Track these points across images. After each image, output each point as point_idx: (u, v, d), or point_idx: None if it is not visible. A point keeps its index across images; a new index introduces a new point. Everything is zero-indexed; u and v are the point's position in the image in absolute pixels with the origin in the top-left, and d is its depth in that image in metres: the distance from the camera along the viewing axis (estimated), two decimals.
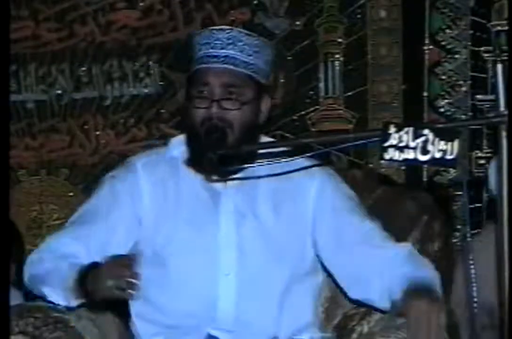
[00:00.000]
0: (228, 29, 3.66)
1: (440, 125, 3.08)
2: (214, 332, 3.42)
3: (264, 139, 3.59)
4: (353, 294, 3.46)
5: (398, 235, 3.58)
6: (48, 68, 5.53)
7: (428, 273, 3.40)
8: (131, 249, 3.60)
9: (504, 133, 3.13)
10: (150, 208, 3.59)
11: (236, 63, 3.55)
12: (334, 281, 3.56)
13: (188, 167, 3.56)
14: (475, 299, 3.80)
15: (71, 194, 5.24)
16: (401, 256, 3.44)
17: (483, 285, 3.46)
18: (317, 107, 4.81)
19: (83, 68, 5.63)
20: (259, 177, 3.54)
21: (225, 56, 3.54)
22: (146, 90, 5.50)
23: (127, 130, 5.49)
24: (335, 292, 3.61)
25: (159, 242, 3.56)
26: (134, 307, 3.61)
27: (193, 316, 3.47)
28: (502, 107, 3.13)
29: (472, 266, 3.82)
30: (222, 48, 3.56)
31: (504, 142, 3.14)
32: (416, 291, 3.27)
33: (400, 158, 3.04)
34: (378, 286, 3.38)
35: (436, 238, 3.76)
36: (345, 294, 3.51)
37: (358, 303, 3.46)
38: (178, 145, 3.57)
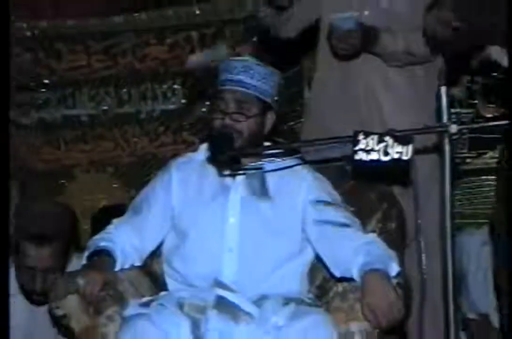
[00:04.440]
0: (244, 59, 3.78)
1: (398, 133, 3.11)
2: (220, 292, 3.48)
3: (265, 143, 3.70)
4: (337, 274, 3.51)
5: (365, 218, 3.72)
6: (97, 89, 5.51)
7: (386, 254, 3.46)
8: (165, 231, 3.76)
9: (446, 140, 3.16)
10: (178, 197, 3.74)
11: (247, 87, 3.62)
12: (322, 263, 3.62)
13: (208, 165, 3.68)
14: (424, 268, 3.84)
15: (115, 185, 5.23)
16: (368, 244, 3.49)
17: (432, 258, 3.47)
18: (301, 119, 4.66)
19: (124, 90, 5.54)
20: (261, 172, 3.65)
21: (239, 81, 3.62)
22: (172, 106, 5.47)
23: (157, 137, 5.48)
24: (315, 260, 3.66)
25: (184, 222, 3.70)
26: (165, 269, 3.74)
27: (204, 279, 3.58)
28: (445, 120, 3.16)
29: (421, 242, 3.86)
30: (237, 74, 3.63)
31: (447, 148, 3.17)
32: (375, 270, 3.35)
33: (367, 159, 3.13)
34: (354, 268, 3.42)
35: (393, 219, 3.82)
36: (331, 275, 3.55)
37: (341, 280, 3.49)
38: (203, 150, 3.72)
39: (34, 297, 4.30)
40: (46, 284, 4.22)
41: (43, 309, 4.03)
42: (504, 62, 3.29)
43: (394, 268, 3.43)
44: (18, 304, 4.29)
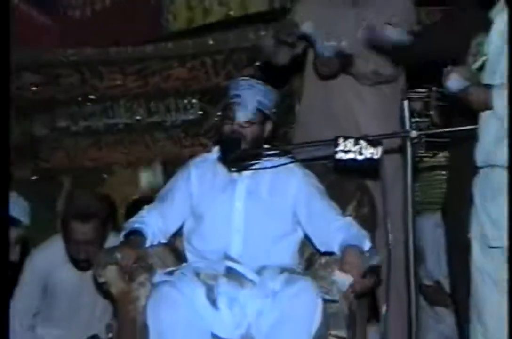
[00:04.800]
0: (247, 79, 3.74)
1: (369, 138, 3.12)
2: (228, 263, 3.50)
3: (265, 146, 3.68)
4: (322, 250, 3.54)
5: (343, 204, 3.71)
6: (131, 103, 5.48)
7: (360, 234, 3.50)
8: (186, 215, 3.75)
9: (408, 143, 3.17)
10: (196, 189, 3.73)
11: (250, 104, 3.59)
12: (309, 240, 3.63)
13: (219, 163, 3.68)
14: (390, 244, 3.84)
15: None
16: (346, 225, 3.52)
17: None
18: (293, 127, 4.60)
19: (152, 103, 5.47)
20: (261, 168, 3.64)
21: (244, 97, 3.60)
22: (190, 116, 5.44)
23: (179, 141, 5.45)
24: (304, 239, 3.66)
25: (200, 208, 3.70)
26: (185, 246, 3.75)
27: (216, 253, 3.58)
28: (407, 127, 3.17)
29: (388, 223, 3.87)
30: (243, 89, 3.62)
31: (409, 150, 3.18)
32: (352, 246, 3.38)
33: (346, 158, 3.13)
34: (335, 244, 3.45)
35: (366, 206, 3.81)
36: (317, 250, 3.58)
37: (324, 254, 3.52)
38: (216, 151, 3.71)
39: (80, 264, 4.32)
40: (88, 254, 4.26)
41: (89, 274, 4.03)
42: (454, 86, 3.27)
43: (366, 244, 3.46)
44: (68, 271, 4.36)
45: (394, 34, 3.75)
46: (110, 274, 3.54)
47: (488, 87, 3.16)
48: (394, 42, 3.75)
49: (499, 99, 3.11)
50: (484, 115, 3.21)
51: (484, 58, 3.31)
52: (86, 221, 4.31)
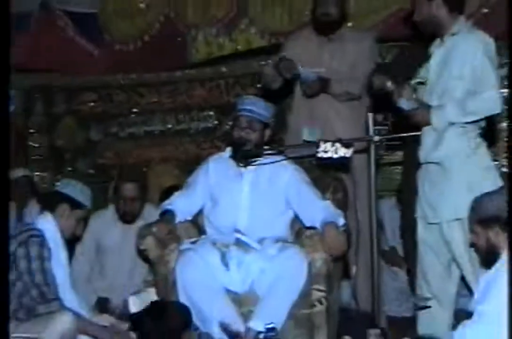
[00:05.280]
0: (252, 97, 3.75)
1: (343, 141, 3.12)
2: (237, 235, 3.50)
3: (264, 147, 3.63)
4: (307, 225, 3.50)
5: (323, 191, 3.65)
6: (164, 115, 5.42)
7: (335, 213, 3.46)
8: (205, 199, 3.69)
9: (372, 145, 3.18)
10: (213, 179, 3.67)
11: (253, 113, 3.57)
12: (298, 218, 3.59)
13: (230, 160, 3.64)
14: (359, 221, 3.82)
15: (175, 172, 5.21)
16: (327, 207, 3.47)
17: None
18: (286, 133, 4.58)
19: (181, 115, 5.32)
20: (261, 164, 3.59)
21: (249, 110, 3.58)
22: (209, 125, 5.34)
23: (200, 143, 5.35)
24: (294, 217, 3.61)
25: (216, 194, 3.65)
26: (205, 222, 3.69)
27: (228, 228, 3.55)
28: (371, 133, 3.15)
29: (357, 205, 3.84)
30: (248, 105, 3.59)
31: (372, 150, 3.18)
32: (330, 222, 3.36)
33: (325, 156, 3.12)
34: (318, 221, 3.41)
35: (340, 192, 3.75)
36: (304, 225, 3.53)
37: (309, 228, 3.48)
38: (228, 151, 3.67)
39: (126, 217, 4.28)
40: (133, 208, 4.26)
41: (132, 234, 3.93)
42: (405, 106, 3.29)
43: (341, 221, 3.44)
44: (116, 230, 4.31)
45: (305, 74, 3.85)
46: (149, 243, 3.53)
47: (428, 107, 3.20)
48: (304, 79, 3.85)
49: (435, 117, 3.16)
50: (425, 127, 3.24)
51: (423, 80, 3.31)
52: (133, 181, 4.29)
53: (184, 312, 3.19)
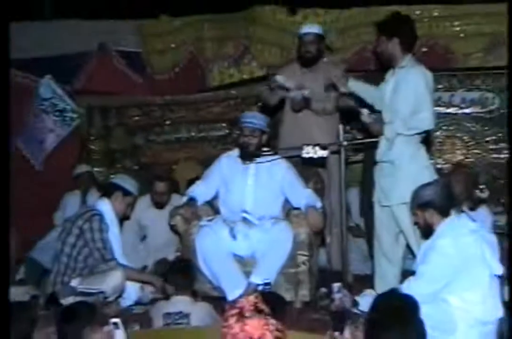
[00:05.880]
0: (252, 112, 3.80)
1: (321, 145, 3.12)
2: (243, 215, 3.45)
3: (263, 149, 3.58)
4: (295, 206, 3.48)
5: (306, 182, 3.62)
6: (190, 126, 5.21)
7: (315, 198, 3.45)
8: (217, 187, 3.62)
9: (342, 149, 3.14)
10: (224, 171, 3.61)
11: (255, 124, 3.51)
12: (288, 201, 3.54)
13: (238, 158, 3.57)
14: (332, 204, 3.79)
15: (196, 168, 5.14)
16: (309, 194, 3.46)
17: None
18: (279, 139, 4.53)
19: (201, 126, 5.21)
20: (261, 161, 3.53)
21: (250, 122, 3.51)
22: (222, 133, 5.19)
23: (215, 146, 5.26)
24: (285, 200, 3.58)
25: (227, 182, 3.59)
26: (219, 204, 3.62)
27: (236, 209, 3.51)
28: (341, 139, 3.13)
29: (331, 193, 3.81)
30: (249, 118, 3.53)
31: (342, 152, 3.14)
32: (312, 206, 3.37)
33: (307, 156, 3.11)
34: (303, 204, 3.41)
35: (319, 183, 3.72)
36: (292, 206, 3.51)
37: (296, 209, 3.47)
38: (236, 151, 3.60)
39: (158, 204, 4.24)
40: (162, 199, 4.22)
41: (163, 214, 3.93)
42: (366, 120, 3.22)
43: (319, 204, 3.43)
44: (151, 211, 4.25)
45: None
46: (177, 220, 3.51)
47: (382, 122, 3.19)
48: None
49: (387, 130, 3.13)
50: (381, 136, 3.21)
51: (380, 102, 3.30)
52: (163, 181, 4.26)
53: (192, 269, 3.19)
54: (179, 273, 3.08)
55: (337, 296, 2.86)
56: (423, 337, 1.88)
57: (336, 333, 2.33)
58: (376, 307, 1.96)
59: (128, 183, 3.50)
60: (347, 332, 2.24)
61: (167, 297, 3.09)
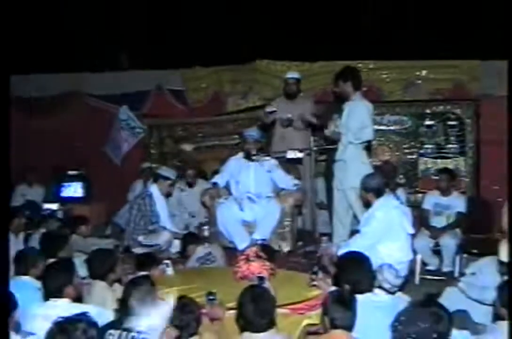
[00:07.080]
0: (252, 129, 3.55)
1: (299, 149, 3.08)
2: (248, 195, 3.40)
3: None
4: (281, 187, 3.41)
5: (289, 173, 3.53)
6: (210, 137, 5.00)
7: (295, 184, 3.38)
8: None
9: (313, 152, 3.12)
10: (233, 167, 3.52)
11: (254, 136, 3.43)
12: (276, 185, 3.46)
13: (244, 158, 3.50)
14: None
15: (218, 164, 5.00)
16: (291, 179, 3.41)
17: None
18: (272, 147, 4.35)
19: (222, 137, 4.97)
20: (261, 160, 3.46)
21: (251, 135, 3.44)
22: (233, 142, 4.87)
23: (230, 150, 4.94)
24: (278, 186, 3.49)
25: (235, 174, 3.49)
26: (231, 188, 3.51)
27: (243, 192, 3.41)
28: (311, 145, 3.10)
29: (305, 181, 3.71)
30: (251, 132, 3.43)
31: (312, 154, 3.11)
32: (292, 188, 3.34)
33: (290, 157, 3.10)
34: (288, 186, 3.38)
35: (298, 175, 3.57)
36: (280, 188, 3.42)
37: (283, 190, 3.38)
38: (242, 154, 3.51)
39: (189, 186, 4.02)
40: (192, 181, 3.98)
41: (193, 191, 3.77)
42: (328, 134, 3.18)
43: (297, 187, 3.38)
44: (184, 190, 4.03)
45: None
46: (206, 197, 3.46)
47: (339, 135, 3.14)
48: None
49: (342, 140, 3.12)
50: (338, 143, 3.20)
51: (338, 122, 3.23)
52: (193, 170, 4.08)
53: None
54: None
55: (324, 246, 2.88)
56: (372, 273, 2.01)
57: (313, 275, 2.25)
58: (341, 257, 2.14)
59: (167, 172, 3.43)
60: (320, 274, 2.25)
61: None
